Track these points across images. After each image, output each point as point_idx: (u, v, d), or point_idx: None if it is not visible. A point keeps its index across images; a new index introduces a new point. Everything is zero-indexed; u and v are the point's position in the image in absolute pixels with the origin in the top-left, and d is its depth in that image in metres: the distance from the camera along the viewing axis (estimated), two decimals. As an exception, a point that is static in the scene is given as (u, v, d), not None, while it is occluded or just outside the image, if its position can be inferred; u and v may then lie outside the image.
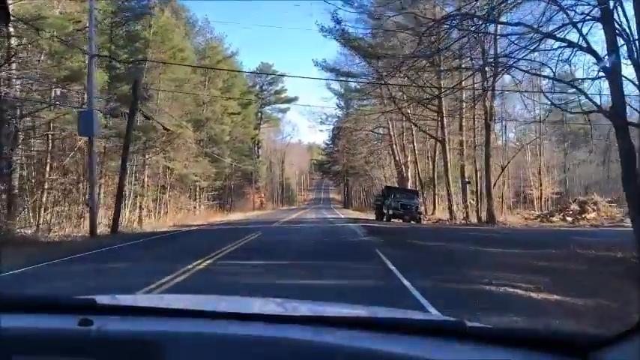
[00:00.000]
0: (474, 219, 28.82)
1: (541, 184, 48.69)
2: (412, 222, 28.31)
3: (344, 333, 1.22)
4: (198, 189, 48.16)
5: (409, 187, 37.18)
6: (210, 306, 1.66)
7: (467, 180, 28.09)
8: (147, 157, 34.38)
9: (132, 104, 19.20)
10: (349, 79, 34.40)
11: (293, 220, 29.81)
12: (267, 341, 1.18)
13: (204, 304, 1.73)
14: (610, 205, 35.19)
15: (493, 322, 4.59)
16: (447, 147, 30.41)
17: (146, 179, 35.89)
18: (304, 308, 1.85)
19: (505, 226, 24.98)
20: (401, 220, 28.67)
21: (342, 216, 35.22)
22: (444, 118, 30.13)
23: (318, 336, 1.19)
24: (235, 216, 44.28)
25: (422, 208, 29.27)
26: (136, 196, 33.15)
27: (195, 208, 46.32)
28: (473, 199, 31.32)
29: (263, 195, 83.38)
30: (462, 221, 28.69)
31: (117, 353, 1.15)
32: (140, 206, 34.23)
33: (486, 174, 27.61)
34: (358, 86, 34.31)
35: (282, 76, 74.06)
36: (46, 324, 1.25)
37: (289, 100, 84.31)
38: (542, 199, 48.51)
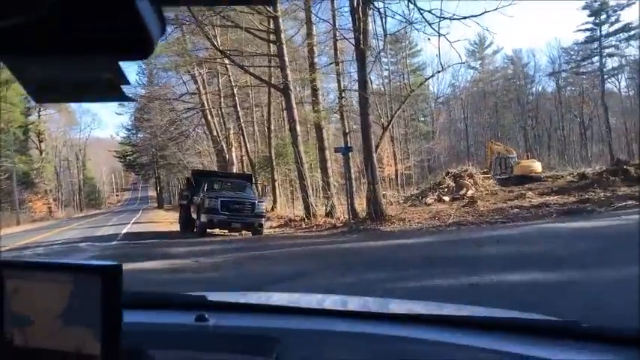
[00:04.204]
0: (342, 213, 17.27)
1: (395, 157, 40.03)
2: (247, 232, 15.70)
3: (460, 332, 1.22)
4: None
5: (235, 172, 24.27)
6: (316, 303, 1.74)
7: (347, 146, 16.14)
8: None
9: None
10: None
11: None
12: (381, 339, 1.20)
13: (310, 302, 1.80)
14: (485, 177, 27.56)
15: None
16: (293, 98, 18.11)
17: None
18: (405, 307, 1.83)
19: (408, 228, 13.78)
20: (227, 231, 15.95)
21: (123, 231, 20.42)
22: (284, 48, 17.76)
23: (430, 334, 1.20)
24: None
25: (264, 207, 16.40)
26: None
27: None
28: (337, 182, 19.81)
29: (52, 201, 66.16)
30: (329, 221, 16.89)
31: (232, 347, 1.19)
32: None
33: (365, 138, 16.11)
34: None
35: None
36: (167, 319, 1.33)
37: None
38: (397, 175, 40.06)
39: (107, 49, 0.44)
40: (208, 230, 16.07)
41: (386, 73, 44.90)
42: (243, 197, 15.93)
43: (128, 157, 73.16)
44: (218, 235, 15.52)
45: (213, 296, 1.50)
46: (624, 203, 13.76)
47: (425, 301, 2.12)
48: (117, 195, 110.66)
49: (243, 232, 15.94)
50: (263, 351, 1.13)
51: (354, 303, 1.85)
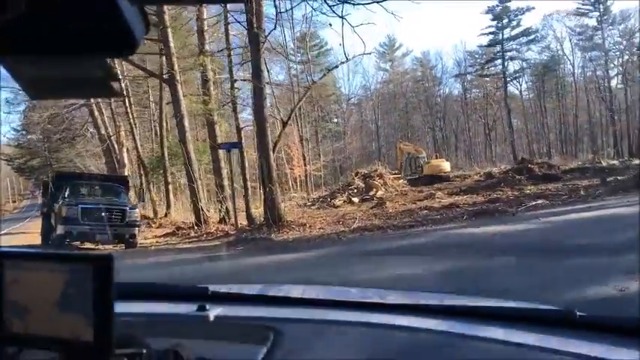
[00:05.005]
0: (238, 219, 15.28)
1: (305, 158, 38.35)
2: (120, 245, 13.23)
3: (455, 322, 1.19)
4: None
5: (110, 174, 21.43)
6: (316, 294, 1.70)
7: (233, 142, 14.07)
8: None
9: None
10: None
11: None
12: (378, 327, 1.18)
13: (310, 293, 1.76)
14: (395, 178, 26.93)
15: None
16: (180, 89, 15.86)
17: None
18: (404, 298, 1.75)
19: (307, 235, 12.09)
20: (100, 244, 13.34)
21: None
22: (169, 33, 15.51)
23: (430, 324, 1.18)
24: None
25: (137, 214, 13.94)
26: None
27: None
28: (237, 185, 17.74)
29: None
30: (222, 228, 14.90)
31: (232, 337, 1.20)
32: None
33: (260, 133, 14.28)
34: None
35: None
36: (168, 310, 1.32)
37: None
38: (307, 177, 38.50)
39: (93, 48, 0.45)
40: (76, 243, 13.45)
41: (294, 72, 43.41)
42: (112, 203, 13.36)
43: (17, 160, 66.17)
44: (82, 249, 12.95)
45: (216, 288, 1.47)
46: (534, 203, 13.05)
47: (426, 292, 2.19)
48: (14, 202, 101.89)
49: (118, 244, 13.49)
50: (260, 340, 1.13)
51: (352, 293, 1.85)
